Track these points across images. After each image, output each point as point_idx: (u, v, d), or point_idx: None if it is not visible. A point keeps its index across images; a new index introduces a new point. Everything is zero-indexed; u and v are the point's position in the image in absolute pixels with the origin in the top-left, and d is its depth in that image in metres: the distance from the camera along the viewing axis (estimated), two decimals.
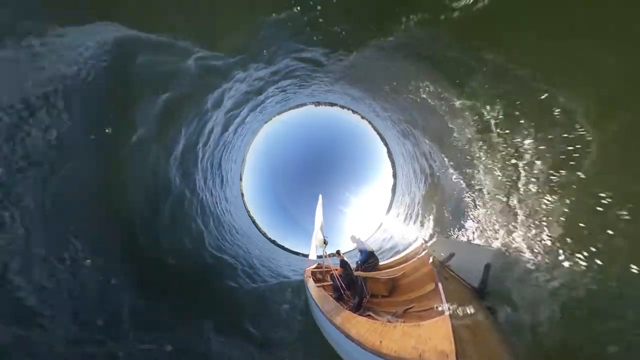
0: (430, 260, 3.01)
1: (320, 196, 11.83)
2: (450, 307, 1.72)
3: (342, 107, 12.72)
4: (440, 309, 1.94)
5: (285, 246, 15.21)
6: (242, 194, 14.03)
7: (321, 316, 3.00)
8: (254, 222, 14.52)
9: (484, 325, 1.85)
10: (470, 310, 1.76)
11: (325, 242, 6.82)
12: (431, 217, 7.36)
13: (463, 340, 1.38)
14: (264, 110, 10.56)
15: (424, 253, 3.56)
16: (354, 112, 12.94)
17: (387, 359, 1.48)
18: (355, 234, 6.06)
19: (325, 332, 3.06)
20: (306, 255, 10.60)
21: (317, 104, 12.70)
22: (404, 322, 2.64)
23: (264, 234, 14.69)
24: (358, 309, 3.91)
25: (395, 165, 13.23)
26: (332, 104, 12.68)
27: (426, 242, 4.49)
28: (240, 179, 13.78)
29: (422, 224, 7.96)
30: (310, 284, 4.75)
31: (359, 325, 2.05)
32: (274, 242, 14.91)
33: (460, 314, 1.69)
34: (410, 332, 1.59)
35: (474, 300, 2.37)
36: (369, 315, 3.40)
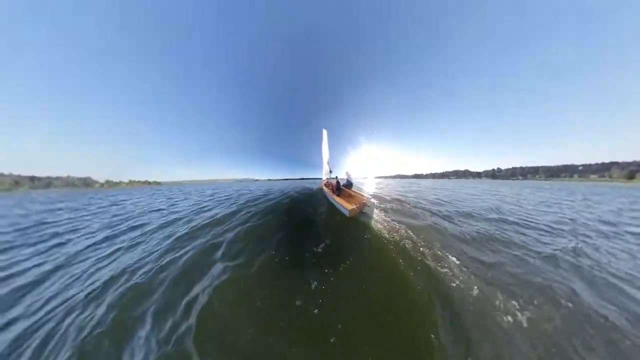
0: (364, 199, 10.55)
1: (325, 131, 16.98)
2: (354, 204, 9.40)
3: None
4: (358, 205, 9.63)
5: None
6: None
7: (329, 196, 10.95)
8: None
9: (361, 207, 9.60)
10: (361, 208, 9.43)
11: (330, 171, 14.30)
12: None
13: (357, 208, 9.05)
14: None
15: (365, 196, 11.18)
16: None
17: (342, 205, 9.19)
18: (348, 171, 13.60)
19: (329, 201, 11.09)
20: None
21: None
22: (350, 197, 10.56)
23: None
24: (338, 195, 11.95)
25: None
26: None
27: (369, 196, 12.07)
28: None
29: None
30: (324, 188, 12.68)
31: (338, 198, 9.83)
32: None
33: (356, 206, 9.36)
34: (351, 198, 9.38)
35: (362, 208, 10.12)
36: (341, 197, 11.42)
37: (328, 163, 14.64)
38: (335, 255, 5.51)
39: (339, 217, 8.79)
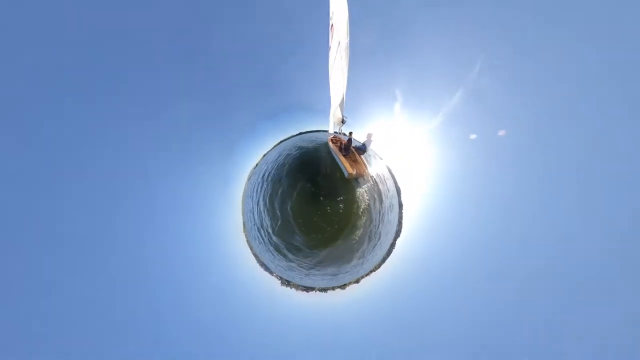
0: (365, 172, 12.17)
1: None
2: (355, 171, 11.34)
3: None
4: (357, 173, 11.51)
5: None
6: None
7: (334, 152, 12.78)
8: None
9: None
10: (358, 177, 11.34)
11: (343, 122, 9.63)
12: None
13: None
14: None
15: (367, 170, 12.84)
16: None
17: (345, 166, 11.07)
18: (372, 133, 11.17)
19: (332, 156, 12.97)
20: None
21: None
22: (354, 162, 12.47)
23: None
24: (345, 155, 13.60)
25: None
26: None
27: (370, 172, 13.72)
28: None
29: None
30: (330, 143, 14.03)
31: (343, 159, 11.70)
32: None
33: (355, 173, 11.29)
34: (355, 163, 11.41)
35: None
36: (347, 158, 13.19)
37: (341, 105, 8.53)
38: (331, 192, 10.14)
39: (339, 173, 10.91)
